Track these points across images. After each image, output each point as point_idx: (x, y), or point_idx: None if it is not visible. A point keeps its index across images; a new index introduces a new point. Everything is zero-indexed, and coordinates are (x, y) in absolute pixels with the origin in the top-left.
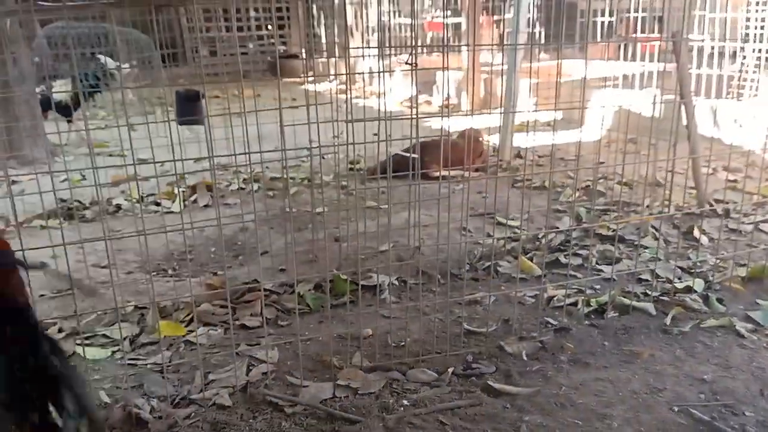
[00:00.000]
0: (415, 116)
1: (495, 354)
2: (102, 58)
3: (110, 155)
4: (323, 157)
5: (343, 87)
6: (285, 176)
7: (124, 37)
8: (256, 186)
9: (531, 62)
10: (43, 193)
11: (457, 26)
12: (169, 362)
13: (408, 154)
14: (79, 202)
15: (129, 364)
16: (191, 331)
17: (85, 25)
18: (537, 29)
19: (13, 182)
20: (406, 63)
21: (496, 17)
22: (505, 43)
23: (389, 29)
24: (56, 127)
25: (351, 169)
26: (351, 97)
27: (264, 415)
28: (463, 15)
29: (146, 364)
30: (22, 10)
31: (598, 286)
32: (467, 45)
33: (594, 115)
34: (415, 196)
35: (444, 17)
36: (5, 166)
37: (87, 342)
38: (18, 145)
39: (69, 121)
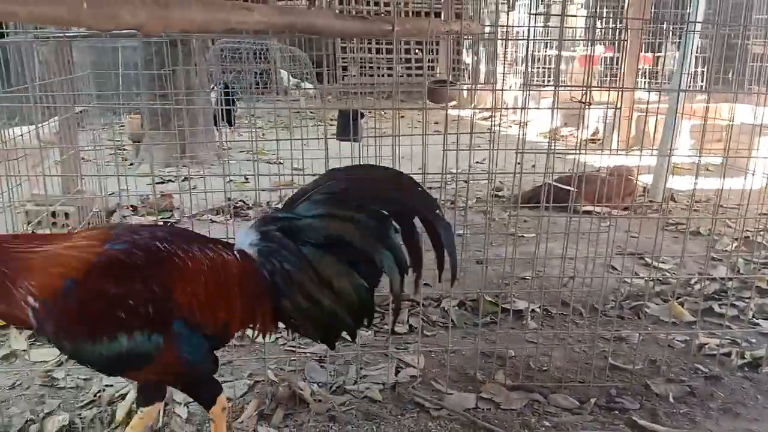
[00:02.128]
0: (581, 151)
1: (640, 392)
2: (282, 72)
3: (268, 162)
4: (466, 182)
5: (485, 114)
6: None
7: (287, 53)
8: None
9: (708, 102)
10: (212, 192)
11: (611, 60)
12: (325, 354)
13: (563, 186)
14: (244, 202)
15: (289, 349)
16: None
17: (253, 41)
18: (699, 69)
19: (185, 178)
20: (579, 102)
21: (655, 54)
22: (666, 82)
23: (539, 60)
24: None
25: (495, 195)
26: (525, 128)
27: (411, 414)
28: (622, 50)
29: (305, 353)
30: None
31: (754, 340)
32: (644, 89)
33: (761, 163)
34: (566, 228)
35: (621, 53)
36: (179, 163)
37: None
38: (193, 147)
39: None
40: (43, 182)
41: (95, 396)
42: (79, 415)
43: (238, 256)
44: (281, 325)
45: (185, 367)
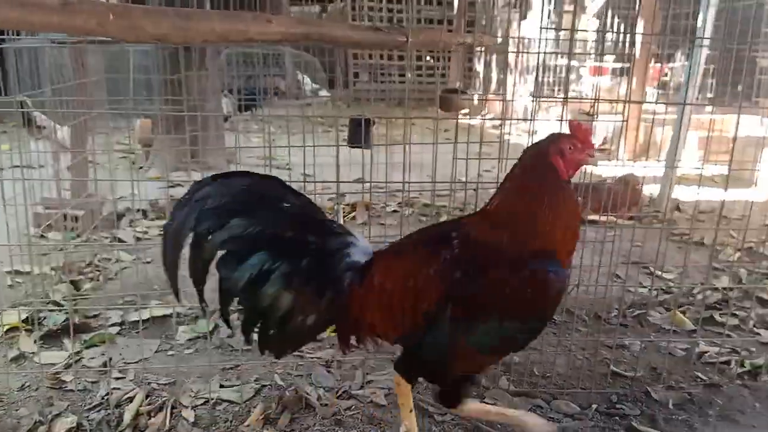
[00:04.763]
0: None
1: (640, 398)
2: (299, 75)
3: (277, 168)
4: (475, 190)
5: (495, 123)
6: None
7: (298, 59)
8: (409, 210)
9: (713, 113)
10: None
11: (622, 71)
12: (332, 359)
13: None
14: None
15: (297, 354)
16: None
17: (263, 47)
18: (709, 80)
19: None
20: (587, 114)
21: (664, 65)
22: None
23: (549, 70)
24: (233, 138)
25: None
26: (533, 138)
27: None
28: (632, 62)
29: (312, 358)
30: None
31: (753, 349)
32: (652, 102)
33: (765, 175)
34: None
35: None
36: (189, 169)
37: None
38: (203, 152)
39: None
40: (56, 186)
41: (103, 399)
42: (87, 417)
43: None
44: None
45: None
